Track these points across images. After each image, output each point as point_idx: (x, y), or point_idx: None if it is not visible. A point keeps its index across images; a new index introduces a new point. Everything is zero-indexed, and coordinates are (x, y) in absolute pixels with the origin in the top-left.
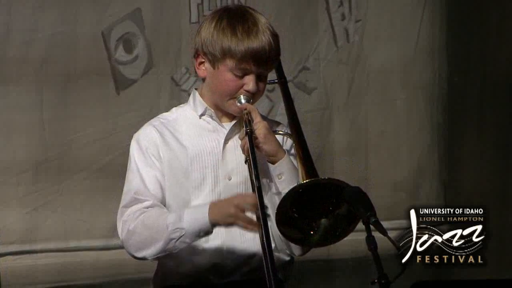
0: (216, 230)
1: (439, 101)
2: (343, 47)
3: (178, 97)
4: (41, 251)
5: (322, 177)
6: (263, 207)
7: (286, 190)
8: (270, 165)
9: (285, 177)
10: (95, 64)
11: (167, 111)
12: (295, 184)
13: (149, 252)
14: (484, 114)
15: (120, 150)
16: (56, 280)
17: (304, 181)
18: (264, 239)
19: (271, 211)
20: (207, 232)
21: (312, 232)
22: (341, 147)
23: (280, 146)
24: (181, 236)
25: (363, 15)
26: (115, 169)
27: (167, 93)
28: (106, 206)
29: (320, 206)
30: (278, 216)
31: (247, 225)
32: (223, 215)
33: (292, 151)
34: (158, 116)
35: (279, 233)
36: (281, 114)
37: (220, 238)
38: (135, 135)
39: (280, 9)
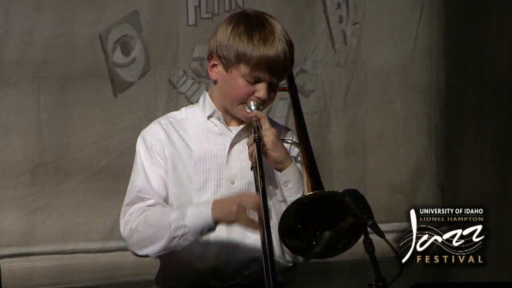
0: (218, 234)
1: (437, 103)
2: (340, 49)
3: (176, 100)
4: (39, 254)
5: (327, 190)
6: (267, 215)
7: (292, 198)
8: (277, 172)
9: (291, 185)
10: (92, 66)
11: (164, 114)
12: (301, 192)
13: (151, 249)
14: (484, 115)
15: (118, 152)
16: (53, 282)
17: (309, 193)
18: (267, 246)
19: (275, 220)
20: (210, 230)
21: (314, 244)
22: (339, 149)
23: (287, 153)
24: (184, 234)
25: (360, 17)
26: (113, 171)
27: (164, 95)
28: (103, 208)
29: (324, 218)
30: (282, 227)
31: (248, 225)
32: (226, 213)
33: (299, 158)
34: (167, 114)
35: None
36: (277, 117)
37: (221, 242)
38: (142, 133)
39: (277, 12)
